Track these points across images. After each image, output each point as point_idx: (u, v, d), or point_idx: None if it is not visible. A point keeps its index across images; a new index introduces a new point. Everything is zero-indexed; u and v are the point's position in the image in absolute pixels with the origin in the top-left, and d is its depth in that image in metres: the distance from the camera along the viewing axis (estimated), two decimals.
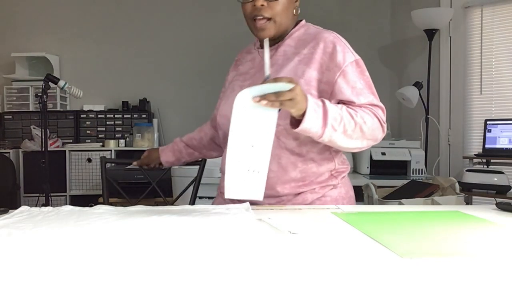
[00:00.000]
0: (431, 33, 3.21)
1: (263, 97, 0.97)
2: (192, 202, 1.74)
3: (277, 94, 0.97)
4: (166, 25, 3.94)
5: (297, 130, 1.08)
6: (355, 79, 1.21)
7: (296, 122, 1.09)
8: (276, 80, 0.99)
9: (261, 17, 1.22)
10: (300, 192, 1.28)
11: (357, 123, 1.14)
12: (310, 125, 1.07)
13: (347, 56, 1.23)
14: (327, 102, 1.11)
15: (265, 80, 1.01)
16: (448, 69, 3.36)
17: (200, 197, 1.96)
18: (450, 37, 3.33)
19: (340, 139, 1.14)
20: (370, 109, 1.20)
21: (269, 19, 1.23)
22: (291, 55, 1.27)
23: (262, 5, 1.21)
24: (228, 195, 1.03)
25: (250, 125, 1.00)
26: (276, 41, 1.31)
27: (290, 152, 1.24)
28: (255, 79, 1.28)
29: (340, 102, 1.21)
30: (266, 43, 1.09)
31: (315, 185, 1.29)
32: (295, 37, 1.30)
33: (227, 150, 1.02)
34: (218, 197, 1.45)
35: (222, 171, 1.37)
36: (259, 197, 1.04)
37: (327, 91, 1.21)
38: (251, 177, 1.02)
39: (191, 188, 1.79)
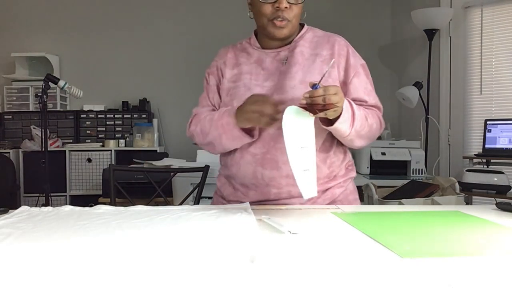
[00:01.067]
0: (431, 33, 3.21)
1: (311, 107, 1.08)
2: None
3: (324, 106, 1.07)
4: (166, 25, 3.94)
5: (329, 128, 1.19)
6: (366, 80, 1.33)
7: (326, 120, 1.18)
8: (326, 88, 1.07)
9: (283, 19, 1.24)
10: (328, 187, 1.33)
11: (368, 125, 1.26)
12: (342, 125, 1.17)
13: (358, 59, 1.34)
14: (352, 103, 1.21)
15: (316, 88, 1.07)
16: (448, 69, 3.36)
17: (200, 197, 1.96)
18: (450, 37, 3.33)
19: (356, 138, 1.25)
20: (375, 111, 1.32)
21: (288, 20, 1.25)
22: (309, 56, 1.31)
23: (286, 7, 1.23)
24: (306, 196, 1.09)
25: (296, 128, 1.09)
26: (285, 42, 1.33)
27: (318, 150, 1.28)
28: (275, 79, 1.29)
29: (353, 100, 1.29)
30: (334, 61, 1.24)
31: (340, 178, 1.35)
32: (307, 39, 1.34)
33: (289, 157, 1.07)
34: (217, 201, 1.43)
35: (232, 176, 1.35)
36: (314, 193, 1.10)
37: (343, 91, 1.28)
38: (306, 176, 1.09)
39: (190, 189, 1.79)
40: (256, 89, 1.28)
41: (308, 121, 1.10)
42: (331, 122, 1.17)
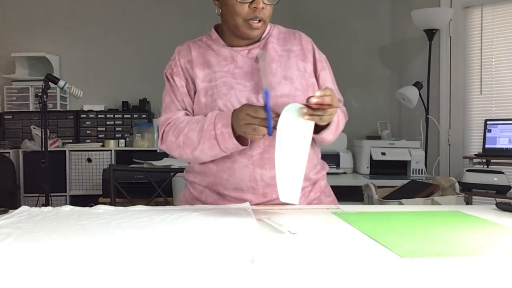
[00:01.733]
0: (431, 33, 3.21)
1: (310, 113, 1.07)
2: None
3: (323, 111, 1.07)
4: (166, 25, 3.94)
5: (315, 136, 1.19)
6: (330, 72, 1.38)
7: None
8: (325, 90, 1.07)
9: (259, 20, 1.21)
10: (316, 180, 1.35)
11: (342, 125, 1.33)
12: (328, 134, 1.22)
13: (321, 53, 1.38)
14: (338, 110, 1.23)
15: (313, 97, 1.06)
16: (448, 69, 3.36)
17: None
18: (450, 37, 3.33)
19: (331, 139, 1.29)
20: (342, 108, 1.36)
21: (263, 21, 1.24)
22: (282, 52, 1.32)
23: (263, 8, 1.20)
24: (282, 198, 1.09)
25: (293, 133, 1.08)
26: (253, 40, 1.31)
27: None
28: (254, 77, 1.25)
29: None
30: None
31: (322, 171, 1.38)
32: (274, 36, 1.35)
33: (275, 157, 1.07)
34: (184, 202, 1.37)
35: (219, 183, 1.26)
36: (296, 201, 1.10)
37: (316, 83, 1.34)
38: (294, 182, 1.09)
39: None
40: (238, 87, 1.23)
41: (307, 127, 1.09)
42: (316, 129, 1.15)
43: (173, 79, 1.31)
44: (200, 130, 1.18)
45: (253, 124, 1.07)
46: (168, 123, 1.28)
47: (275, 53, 1.30)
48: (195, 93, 1.28)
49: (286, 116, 1.07)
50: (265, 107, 1.06)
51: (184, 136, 1.21)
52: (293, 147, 1.08)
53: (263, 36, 1.33)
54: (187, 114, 1.30)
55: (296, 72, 1.27)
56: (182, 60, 1.32)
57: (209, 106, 1.23)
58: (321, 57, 1.36)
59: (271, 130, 1.06)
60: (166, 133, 1.27)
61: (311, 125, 1.10)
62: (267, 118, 1.05)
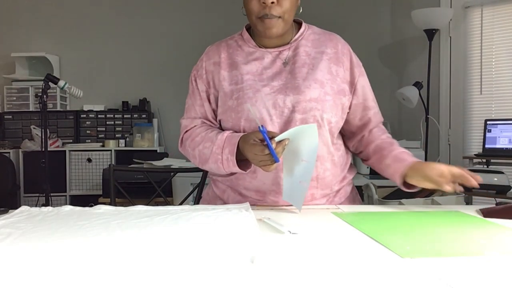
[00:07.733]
0: (431, 33, 3.22)
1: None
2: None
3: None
4: (166, 25, 3.94)
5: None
6: (368, 80, 1.33)
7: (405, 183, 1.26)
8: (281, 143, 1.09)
9: (270, 17, 1.16)
10: (341, 186, 1.34)
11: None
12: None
13: (357, 58, 1.33)
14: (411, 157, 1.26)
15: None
16: (448, 69, 3.36)
17: (200, 197, 1.97)
18: (450, 37, 3.34)
19: None
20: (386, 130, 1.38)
21: (278, 17, 1.17)
22: (315, 54, 1.26)
23: (273, 2, 1.14)
24: (284, 198, 1.17)
25: (299, 141, 1.11)
26: (284, 41, 1.27)
27: (336, 149, 1.30)
28: (282, 78, 1.23)
29: (362, 104, 1.31)
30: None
31: (349, 176, 1.37)
32: (309, 38, 1.29)
33: (282, 162, 1.13)
34: (206, 200, 1.41)
35: (242, 186, 1.28)
36: (300, 207, 1.15)
37: (349, 90, 1.28)
38: (300, 188, 1.14)
39: (190, 189, 1.79)
40: (264, 90, 1.20)
41: (312, 135, 1.11)
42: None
43: (196, 82, 1.32)
44: (209, 149, 1.22)
45: (263, 160, 1.09)
46: (186, 131, 1.33)
47: (307, 56, 1.25)
48: (217, 98, 1.28)
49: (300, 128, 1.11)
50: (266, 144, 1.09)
51: (200, 151, 1.25)
52: (300, 153, 1.12)
53: (294, 38, 1.26)
54: (204, 123, 1.32)
55: (327, 75, 1.23)
56: (208, 62, 1.31)
57: (235, 109, 1.22)
58: (358, 62, 1.30)
59: (278, 158, 1.08)
60: (184, 141, 1.33)
61: (314, 131, 1.11)
62: (270, 151, 1.08)
